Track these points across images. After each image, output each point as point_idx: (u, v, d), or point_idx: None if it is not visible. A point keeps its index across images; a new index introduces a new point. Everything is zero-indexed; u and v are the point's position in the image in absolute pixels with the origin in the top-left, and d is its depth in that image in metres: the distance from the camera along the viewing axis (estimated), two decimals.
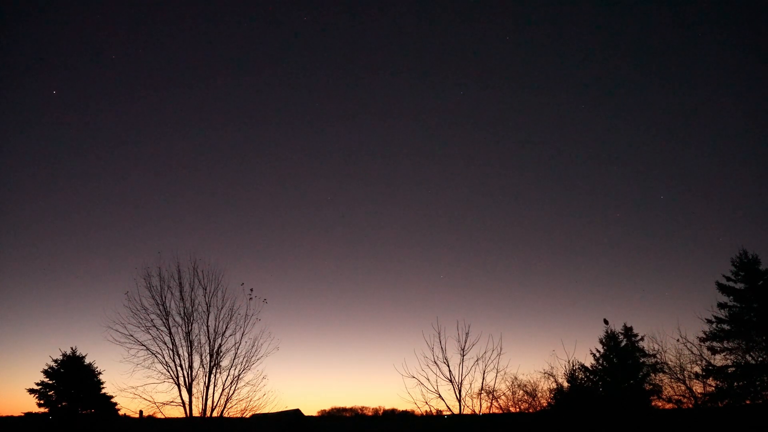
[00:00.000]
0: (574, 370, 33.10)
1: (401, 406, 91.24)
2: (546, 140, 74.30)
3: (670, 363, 32.27)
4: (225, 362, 26.44)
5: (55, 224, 71.60)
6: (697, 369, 31.53)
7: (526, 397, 33.32)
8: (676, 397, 32.54)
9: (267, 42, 71.14)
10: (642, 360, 35.35)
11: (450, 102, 74.10)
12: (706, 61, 68.00)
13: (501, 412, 32.30)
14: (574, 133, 74.26)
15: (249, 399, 26.28)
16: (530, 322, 69.56)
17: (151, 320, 26.31)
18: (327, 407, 77.54)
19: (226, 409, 26.20)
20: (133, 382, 26.22)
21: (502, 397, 32.28)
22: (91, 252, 71.99)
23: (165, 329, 26.28)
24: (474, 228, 75.46)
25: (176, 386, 25.87)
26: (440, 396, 27.18)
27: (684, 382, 31.67)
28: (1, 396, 60.32)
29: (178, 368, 25.99)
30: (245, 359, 26.55)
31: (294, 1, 68.22)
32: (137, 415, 30.87)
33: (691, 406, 31.71)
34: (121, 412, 36.90)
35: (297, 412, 45.68)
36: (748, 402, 29.88)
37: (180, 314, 26.53)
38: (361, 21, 70.52)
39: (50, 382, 37.01)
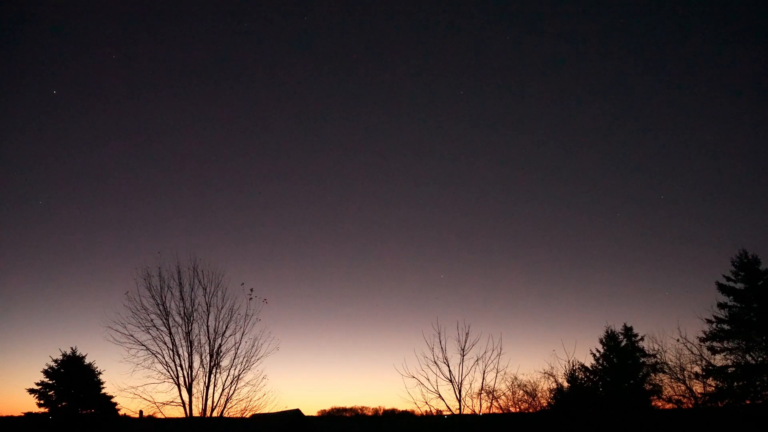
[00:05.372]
0: (574, 370, 33.17)
1: (401, 406, 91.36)
2: (546, 140, 74.39)
3: (670, 363, 32.34)
4: (225, 362, 26.42)
5: (55, 224, 71.68)
6: (697, 369, 31.62)
7: (526, 397, 33.38)
8: (676, 397, 32.60)
9: (267, 42, 71.22)
10: (642, 360, 35.37)
11: (450, 102, 74.18)
12: (707, 60, 68.09)
13: (501, 412, 32.32)
14: (574, 133, 74.33)
15: (249, 399, 26.25)
16: (530, 322, 69.63)
17: (151, 320, 26.28)
18: (327, 407, 77.64)
19: (226, 409, 26.16)
20: (133, 382, 26.22)
21: (502, 397, 32.35)
22: (91, 252, 72.08)
23: (165, 329, 26.25)
24: (474, 228, 75.54)
25: (176, 386, 25.84)
26: (440, 396, 27.21)
27: (684, 382, 31.72)
28: (1, 396, 60.41)
29: (178, 368, 25.97)
30: (245, 359, 26.50)
31: (294, 1, 68.28)
32: (137, 415, 30.84)
33: (691, 406, 31.73)
34: (121, 412, 36.92)
35: (297, 412, 45.65)
36: (748, 402, 29.89)
37: (180, 314, 26.50)
38: (361, 21, 70.59)
39: (50, 382, 37.00)
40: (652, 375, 34.41)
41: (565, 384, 33.07)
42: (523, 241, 75.61)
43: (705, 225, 70.56)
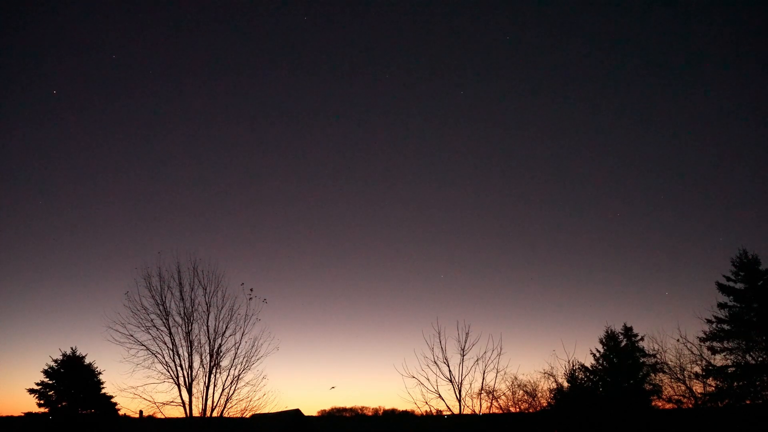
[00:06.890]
0: (574, 370, 33.17)
1: (401, 406, 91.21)
2: (546, 140, 74.43)
3: (670, 363, 32.35)
4: (225, 362, 26.45)
5: (55, 224, 71.66)
6: (697, 369, 31.63)
7: (526, 397, 33.37)
8: (676, 397, 32.60)
9: (267, 42, 71.21)
10: (642, 360, 35.37)
11: (450, 102, 74.18)
12: (706, 60, 68.11)
13: (501, 412, 32.31)
14: (574, 133, 74.35)
15: (249, 399, 26.29)
16: (530, 322, 69.62)
17: (151, 320, 26.31)
18: (327, 407, 77.50)
19: (226, 409, 26.19)
20: (133, 382, 26.19)
21: (502, 397, 32.33)
22: (92, 252, 72.04)
23: (165, 329, 26.28)
24: (474, 228, 75.53)
25: (176, 386, 25.87)
26: (440, 396, 27.24)
27: (684, 382, 31.72)
28: (1, 396, 60.39)
29: (178, 368, 25.99)
30: (245, 359, 26.54)
31: (294, 1, 68.27)
32: (137, 415, 30.87)
33: (691, 406, 31.73)
34: (121, 412, 36.88)
35: (297, 412, 45.67)
36: (748, 402, 29.89)
37: (180, 314, 26.53)
38: (360, 21, 70.62)
39: (50, 382, 36.96)
40: (652, 375, 34.42)
41: (565, 384, 33.11)
42: (523, 241, 75.67)
43: (705, 225, 70.61)
